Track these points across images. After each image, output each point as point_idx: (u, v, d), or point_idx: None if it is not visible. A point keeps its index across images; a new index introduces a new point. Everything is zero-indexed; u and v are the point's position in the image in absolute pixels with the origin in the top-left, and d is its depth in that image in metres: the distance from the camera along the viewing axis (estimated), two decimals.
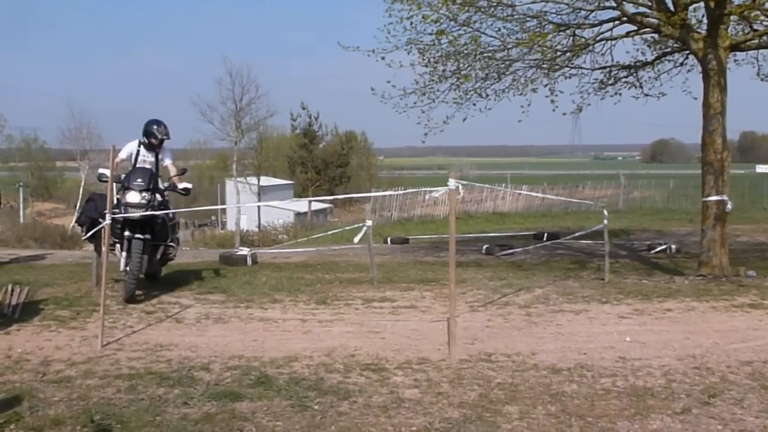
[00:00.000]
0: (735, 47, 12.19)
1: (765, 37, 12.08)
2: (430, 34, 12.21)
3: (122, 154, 10.12)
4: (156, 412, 5.36)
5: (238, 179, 53.69)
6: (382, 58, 12.46)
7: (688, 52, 12.87)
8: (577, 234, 14.77)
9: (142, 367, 6.53)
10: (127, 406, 5.50)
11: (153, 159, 10.32)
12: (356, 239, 12.99)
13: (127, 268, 9.36)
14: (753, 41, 12.25)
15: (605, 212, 11.77)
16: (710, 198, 11.66)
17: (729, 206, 11.62)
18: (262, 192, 60.06)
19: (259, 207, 54.70)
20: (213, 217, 76.89)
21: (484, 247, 15.99)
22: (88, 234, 9.73)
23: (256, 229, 46.19)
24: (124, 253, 9.48)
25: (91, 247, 11.16)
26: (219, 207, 61.38)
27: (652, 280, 11.41)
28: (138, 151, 10.23)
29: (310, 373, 6.33)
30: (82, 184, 63.80)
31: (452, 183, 6.73)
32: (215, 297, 9.77)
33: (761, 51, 13.40)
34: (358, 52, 13.02)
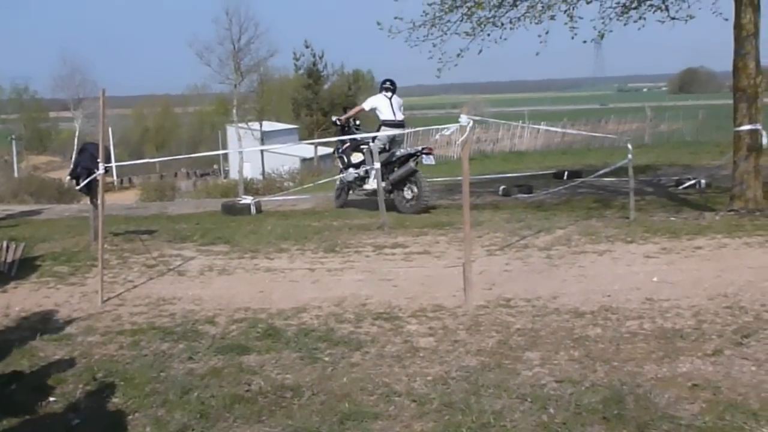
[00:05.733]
0: None
1: None
2: None
3: None
4: (160, 367, 5.42)
5: (240, 125, 53.51)
6: None
7: None
8: (600, 172, 14.68)
9: (144, 322, 6.59)
10: (130, 362, 5.56)
11: None
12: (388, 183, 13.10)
13: None
14: None
15: (630, 147, 11.64)
16: (743, 127, 11.50)
17: (765, 140, 11.45)
18: (266, 137, 60.00)
19: (262, 153, 54.59)
20: (215, 166, 77.12)
21: (501, 188, 15.94)
22: (82, 185, 9.76)
23: (261, 177, 46.22)
24: None
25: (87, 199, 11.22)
26: (220, 153, 61.28)
27: (680, 216, 11.34)
28: None
29: (320, 323, 6.38)
30: (77, 134, 63.80)
31: (464, 119, 6.67)
32: (219, 248, 9.80)
33: None
34: None
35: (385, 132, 13.43)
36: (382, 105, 13.73)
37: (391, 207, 12.77)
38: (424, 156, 13.19)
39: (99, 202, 8.29)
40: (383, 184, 12.76)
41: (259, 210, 13.80)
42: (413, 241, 9.94)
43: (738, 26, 11.45)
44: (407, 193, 13.21)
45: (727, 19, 12.34)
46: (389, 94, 13.78)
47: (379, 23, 12.72)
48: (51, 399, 4.93)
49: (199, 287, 7.82)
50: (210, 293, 7.53)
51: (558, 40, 13.81)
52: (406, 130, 14.40)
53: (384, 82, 14.14)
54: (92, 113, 61.15)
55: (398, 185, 13.25)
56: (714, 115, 37.49)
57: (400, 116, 13.77)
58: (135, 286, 7.91)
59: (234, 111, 53.82)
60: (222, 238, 10.44)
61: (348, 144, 14.39)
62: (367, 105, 14.10)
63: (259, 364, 5.44)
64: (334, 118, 14.88)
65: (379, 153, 12.70)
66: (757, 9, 11.40)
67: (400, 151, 13.41)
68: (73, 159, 11.37)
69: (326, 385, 5.04)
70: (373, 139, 13.42)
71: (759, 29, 11.47)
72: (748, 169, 11.47)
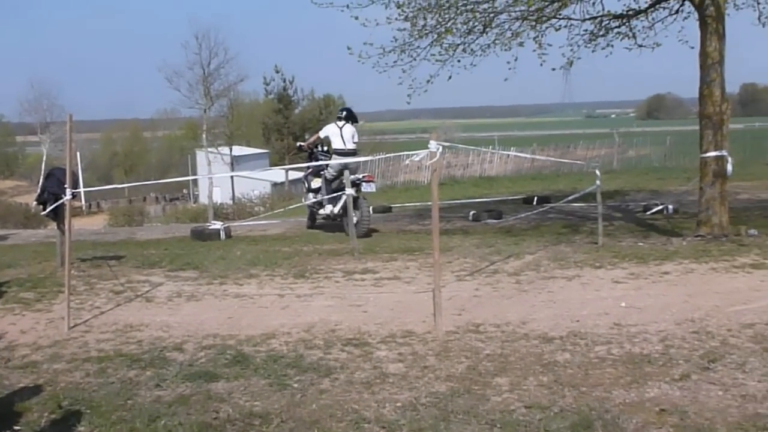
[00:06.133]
0: None
1: None
2: None
3: None
4: (127, 395, 5.37)
5: (209, 149, 53.27)
6: (356, 18, 12.31)
7: None
8: (569, 197, 14.80)
9: (111, 349, 6.53)
10: (96, 390, 5.50)
11: None
12: (336, 209, 13.54)
13: None
14: None
15: (598, 172, 11.77)
16: (709, 154, 11.65)
17: (730, 168, 11.59)
18: (236, 162, 59.67)
19: (232, 178, 54.38)
20: (185, 191, 76.61)
21: (471, 213, 16.03)
22: (49, 210, 9.70)
23: (231, 202, 46.00)
24: None
25: (54, 225, 11.13)
26: (190, 178, 61.00)
27: (648, 242, 11.47)
28: None
29: (289, 350, 6.35)
30: (44, 158, 63.21)
31: (433, 145, 6.71)
32: (187, 274, 9.75)
33: None
34: (332, 8, 12.87)
35: (336, 160, 13.78)
36: (333, 134, 14.16)
37: (341, 229, 13.49)
38: (364, 183, 13.54)
39: (66, 227, 8.22)
40: (335, 209, 13.77)
41: (228, 235, 13.76)
42: (383, 267, 9.96)
43: (703, 54, 11.64)
44: (353, 218, 13.31)
45: (692, 48, 12.55)
46: (341, 123, 14.16)
47: (349, 48, 12.75)
48: (16, 428, 4.86)
49: (167, 314, 7.76)
50: (178, 320, 7.48)
51: (527, 66, 13.95)
52: (360, 159, 14.64)
53: (340, 111, 14.78)
54: (60, 137, 60.57)
55: (346, 210, 13.45)
56: (681, 141, 37.93)
57: (350, 145, 14.07)
58: (102, 313, 7.84)
59: (203, 135, 53.54)
60: (191, 263, 10.39)
61: (311, 169, 14.78)
62: (322, 133, 14.54)
63: (227, 391, 5.40)
64: (299, 144, 15.43)
65: (332, 180, 13.65)
66: (722, 37, 11.60)
67: (346, 179, 13.59)
68: (40, 184, 11.29)
69: (295, 412, 5.02)
70: (327, 166, 13.92)
71: (724, 57, 11.67)
72: (714, 195, 11.62)
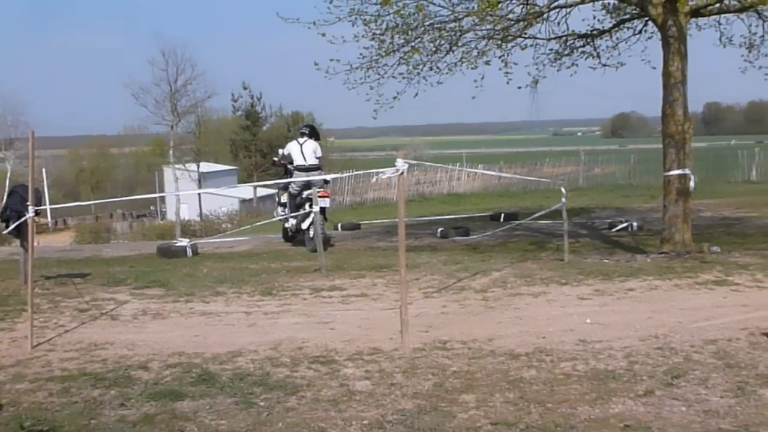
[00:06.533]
0: (696, 12, 12.34)
1: (727, 1, 12.24)
2: (375, 3, 12.13)
3: None
4: (91, 415, 5.30)
5: (177, 166, 52.96)
6: (323, 35, 12.34)
7: (647, 18, 13.01)
8: (536, 215, 14.91)
9: (75, 368, 6.44)
10: (60, 410, 5.42)
11: None
12: (304, 225, 13.76)
13: None
14: (714, 5, 12.43)
15: (563, 190, 11.89)
16: (672, 172, 11.81)
17: (692, 184, 11.76)
18: (203, 179, 59.46)
19: (199, 195, 54.04)
20: (152, 207, 76.02)
21: (439, 230, 16.06)
22: (12, 227, 9.59)
23: (198, 219, 45.69)
24: None
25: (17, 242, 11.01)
26: (157, 195, 60.63)
27: (613, 259, 11.58)
28: None
29: (256, 368, 6.31)
30: (8, 175, 62.35)
31: (400, 163, 6.74)
32: (153, 291, 9.68)
33: (724, 15, 13.60)
34: (299, 24, 12.90)
35: (296, 177, 14.09)
36: (293, 151, 14.43)
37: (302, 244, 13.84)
38: (318, 199, 13.58)
39: (29, 244, 8.12)
40: (298, 224, 14.18)
41: (195, 252, 13.68)
42: (351, 284, 9.96)
43: (666, 74, 11.82)
44: (310, 232, 13.72)
45: (655, 68, 12.76)
46: (302, 139, 14.45)
47: (316, 64, 12.79)
48: None
49: (133, 332, 7.69)
50: (143, 338, 7.41)
51: (495, 85, 14.09)
52: (323, 176, 14.75)
53: (302, 127, 15.34)
54: (25, 154, 59.68)
55: (306, 226, 14.00)
56: (645, 159, 38.45)
57: (311, 161, 14.29)
58: (66, 331, 7.75)
59: (171, 152, 53.23)
60: (157, 281, 10.32)
61: (282, 185, 15.11)
62: (285, 150, 14.72)
63: (193, 410, 5.35)
64: (273, 159, 15.68)
65: (296, 196, 14.12)
66: (684, 57, 11.79)
67: (305, 195, 14.08)
68: (3, 202, 11.17)
69: (261, 430, 4.98)
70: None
71: (686, 77, 11.86)
72: (678, 212, 11.78)
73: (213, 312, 8.48)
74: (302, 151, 14.29)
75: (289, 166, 14.66)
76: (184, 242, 14.42)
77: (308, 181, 13.84)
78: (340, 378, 6.02)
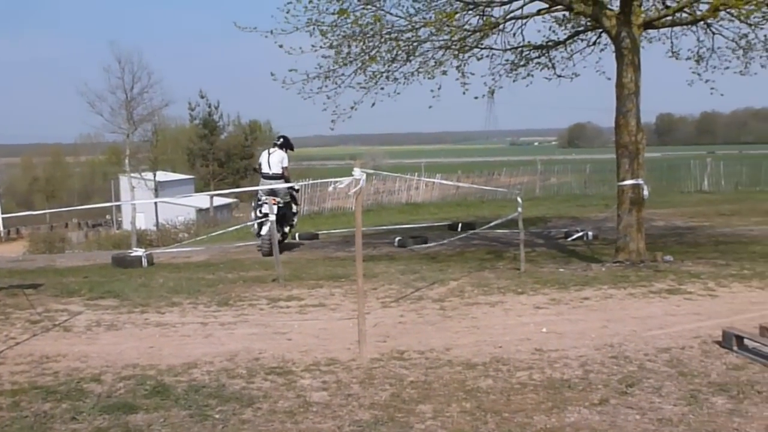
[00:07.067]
0: (649, 24, 12.51)
1: (679, 14, 12.44)
2: (333, 13, 12.12)
3: None
4: (41, 429, 5.19)
5: (133, 175, 52.36)
6: (281, 46, 12.27)
7: (601, 30, 13.19)
8: (492, 224, 14.99)
9: (26, 382, 6.30)
10: (9, 424, 5.30)
11: None
12: (263, 231, 14.08)
13: None
14: (667, 18, 12.62)
15: (519, 200, 11.96)
16: (625, 182, 11.96)
17: (646, 193, 11.93)
18: (160, 188, 58.86)
19: (156, 204, 53.52)
20: (108, 217, 75.12)
21: (397, 239, 16.09)
22: None
23: (155, 228, 45.25)
24: None
25: None
26: (113, 204, 59.91)
27: (568, 268, 11.68)
28: None
29: (211, 379, 6.24)
30: None
31: (357, 172, 6.73)
32: (107, 302, 9.53)
33: (674, 28, 13.85)
34: (256, 33, 12.85)
35: (261, 185, 14.66)
36: (262, 159, 15.04)
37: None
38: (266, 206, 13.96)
39: None
40: (260, 231, 14.52)
41: (150, 262, 13.52)
42: (308, 294, 9.91)
43: (620, 85, 11.97)
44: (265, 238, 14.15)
45: (609, 79, 12.91)
46: (273, 149, 15.04)
47: (272, 74, 12.74)
48: None
49: (86, 343, 7.56)
50: (97, 350, 7.28)
51: (452, 94, 14.18)
52: (285, 185, 14.85)
53: (276, 138, 15.82)
54: None
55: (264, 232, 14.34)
56: (600, 169, 38.93)
57: (275, 169, 14.76)
58: (17, 344, 7.58)
59: (126, 161, 52.61)
60: (111, 292, 10.17)
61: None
62: (259, 159, 15.27)
63: (146, 423, 5.27)
64: (254, 167, 16.26)
65: (261, 204, 14.52)
66: (637, 69, 11.95)
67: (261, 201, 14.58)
68: None
69: None
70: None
71: (640, 88, 12.02)
72: (631, 222, 11.93)
73: (168, 323, 8.37)
74: (269, 160, 14.78)
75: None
76: (139, 252, 14.24)
77: (272, 189, 13.99)
78: (297, 389, 5.98)
